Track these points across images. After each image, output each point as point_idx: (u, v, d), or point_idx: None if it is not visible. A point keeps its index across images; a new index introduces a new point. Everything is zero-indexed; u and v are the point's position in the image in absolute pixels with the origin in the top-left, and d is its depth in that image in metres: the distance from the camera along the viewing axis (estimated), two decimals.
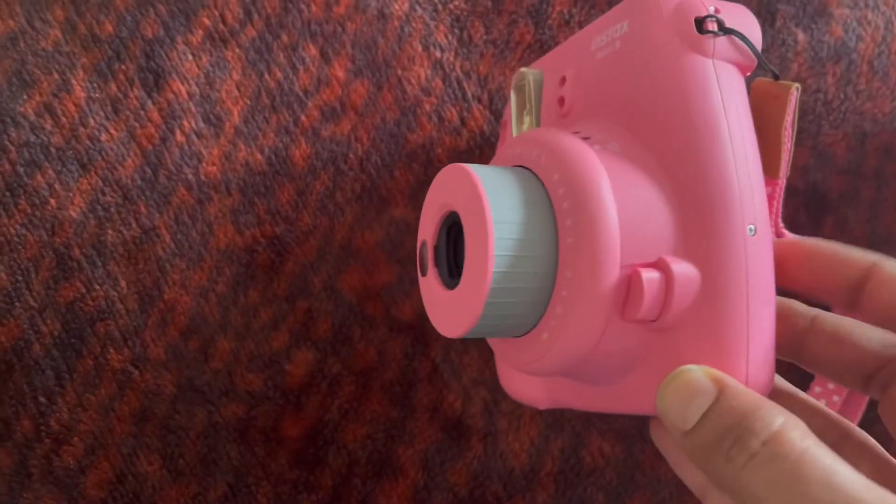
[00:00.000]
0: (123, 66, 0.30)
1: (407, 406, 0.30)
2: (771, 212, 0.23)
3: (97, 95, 0.30)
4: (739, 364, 0.19)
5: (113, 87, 0.30)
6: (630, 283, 0.19)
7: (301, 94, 0.31)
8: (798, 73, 0.33)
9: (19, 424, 0.28)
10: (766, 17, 0.34)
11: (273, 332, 0.29)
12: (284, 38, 0.31)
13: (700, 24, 0.20)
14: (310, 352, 0.29)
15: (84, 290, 0.29)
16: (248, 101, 0.30)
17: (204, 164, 0.30)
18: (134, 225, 0.29)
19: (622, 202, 0.19)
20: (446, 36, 0.32)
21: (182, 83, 0.30)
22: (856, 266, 0.20)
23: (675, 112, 0.20)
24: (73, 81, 0.30)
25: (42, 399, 0.28)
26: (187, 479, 0.28)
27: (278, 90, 0.31)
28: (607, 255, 0.19)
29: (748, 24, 0.21)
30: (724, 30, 0.20)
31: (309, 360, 0.29)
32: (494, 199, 0.19)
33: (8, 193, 0.29)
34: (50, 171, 0.29)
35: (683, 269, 0.19)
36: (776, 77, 0.22)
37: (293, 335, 0.29)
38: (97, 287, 0.29)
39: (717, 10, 0.21)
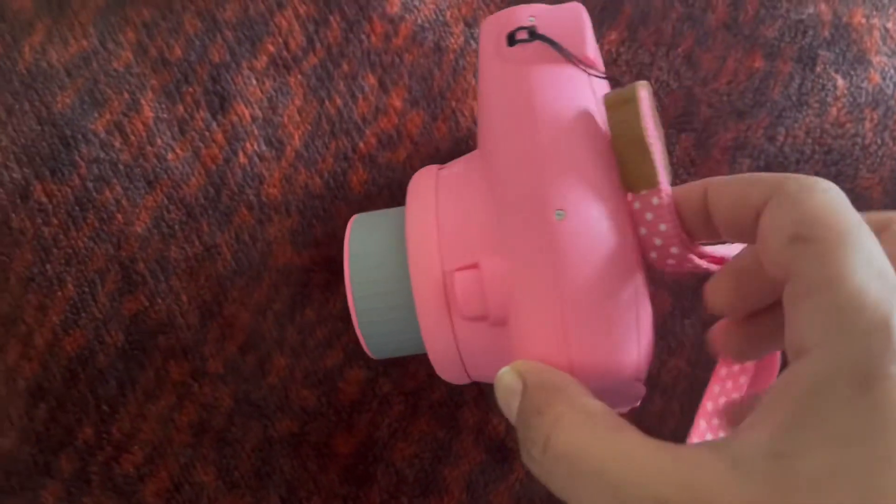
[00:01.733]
0: (191, 89, 0.33)
1: (453, 427, 0.32)
2: (669, 223, 0.21)
3: (165, 116, 0.33)
4: (559, 348, 0.20)
5: (180, 108, 0.33)
6: (452, 285, 0.22)
7: (359, 121, 0.33)
8: (837, 118, 0.36)
9: (81, 431, 0.30)
10: (808, 62, 0.36)
11: (328, 351, 0.31)
12: (345, 66, 0.34)
13: (511, 37, 0.23)
14: (362, 370, 0.32)
15: (147, 304, 0.31)
16: (309, 127, 0.33)
17: (265, 186, 0.32)
18: (196, 242, 0.32)
19: (446, 215, 0.23)
20: None
21: (246, 107, 0.33)
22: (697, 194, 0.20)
23: (490, 117, 0.23)
24: (143, 102, 0.33)
25: (105, 408, 0.30)
26: (241, 491, 0.30)
27: (338, 117, 0.33)
28: (425, 263, 0.22)
29: (569, 24, 0.23)
30: (534, 37, 0.23)
31: (361, 379, 0.32)
32: (357, 239, 0.25)
33: (77, 208, 0.32)
34: (118, 188, 0.32)
35: (492, 264, 0.22)
36: (616, 82, 0.23)
37: (347, 354, 0.32)
38: (160, 301, 0.31)
39: (536, 17, 0.24)
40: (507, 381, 0.20)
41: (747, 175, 0.19)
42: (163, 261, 0.31)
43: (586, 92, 0.22)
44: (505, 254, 0.21)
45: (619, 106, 0.21)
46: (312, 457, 0.31)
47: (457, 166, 0.25)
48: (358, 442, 0.31)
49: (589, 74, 0.23)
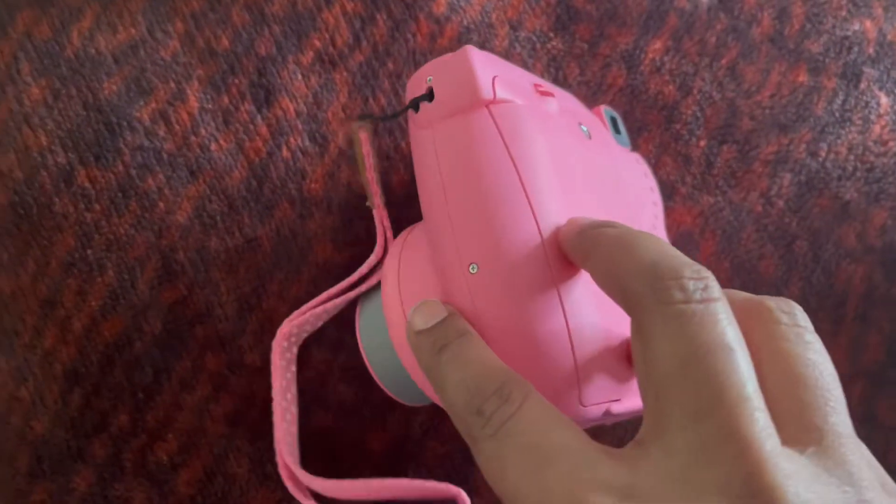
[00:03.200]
0: (236, 81, 0.34)
1: None
2: (380, 234, 0.30)
3: (210, 106, 0.34)
4: None
5: (225, 99, 0.34)
6: None
7: (402, 121, 0.34)
8: (880, 136, 0.37)
9: (116, 418, 0.31)
10: (852, 78, 0.37)
11: None
12: (390, 65, 0.35)
13: (416, 103, 0.25)
14: None
15: (186, 293, 0.32)
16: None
17: (308, 182, 0.33)
18: (237, 234, 0.33)
19: (406, 278, 0.26)
20: (542, 75, 0.36)
21: (291, 101, 0.34)
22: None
23: (418, 183, 0.25)
24: (188, 91, 0.34)
25: (140, 395, 0.31)
26: (273, 485, 0.31)
27: (386, 113, 0.34)
28: (396, 325, 0.25)
29: (460, 73, 0.24)
30: (431, 97, 0.24)
31: None
32: (364, 309, 0.28)
33: (120, 194, 0.33)
34: (160, 176, 0.33)
35: None
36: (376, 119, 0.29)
37: None
38: (198, 291, 0.32)
39: (433, 75, 0.25)
40: (437, 304, 0.23)
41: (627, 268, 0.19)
42: (203, 251, 0.32)
43: (486, 128, 0.23)
44: (445, 303, 0.23)
45: (355, 135, 0.28)
46: (345, 453, 0.32)
47: (418, 227, 0.27)
48: (390, 439, 0.32)
49: (489, 109, 0.24)
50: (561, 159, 0.24)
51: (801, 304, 0.23)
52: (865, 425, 0.34)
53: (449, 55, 0.25)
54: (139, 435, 0.31)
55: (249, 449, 0.31)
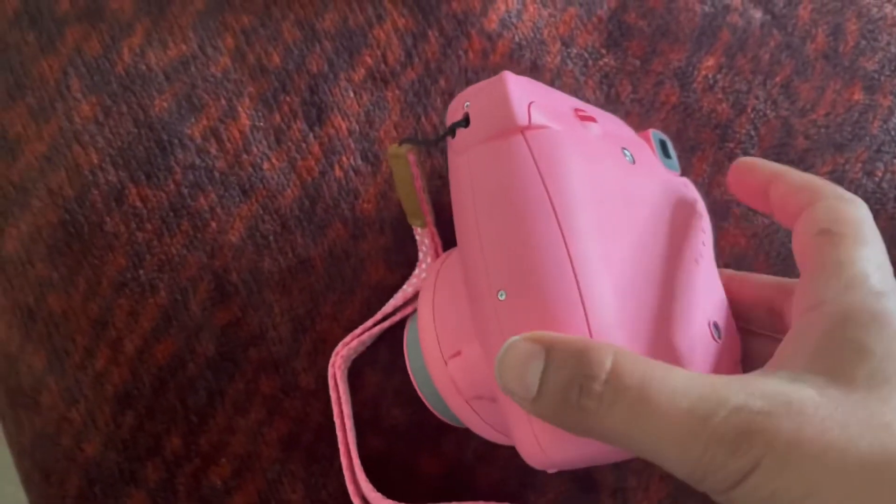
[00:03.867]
0: (288, 98, 0.34)
1: None
2: (432, 253, 0.31)
3: (261, 124, 0.33)
4: (529, 427, 0.21)
5: (277, 117, 0.33)
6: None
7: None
8: None
9: (170, 441, 0.31)
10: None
11: None
12: (442, 82, 0.35)
13: (453, 129, 0.25)
14: None
15: (239, 315, 0.32)
16: None
17: (360, 201, 0.33)
18: (290, 254, 0.32)
19: (440, 306, 0.26)
20: (594, 92, 0.36)
21: (343, 119, 0.34)
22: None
23: (454, 208, 0.25)
24: (240, 109, 0.33)
25: (194, 418, 0.31)
26: None
27: (434, 134, 0.34)
28: (431, 354, 0.26)
29: (495, 98, 0.24)
30: (468, 123, 0.24)
31: None
32: (410, 335, 0.28)
33: (171, 213, 0.32)
34: (212, 195, 0.33)
35: (471, 350, 0.24)
36: (424, 144, 0.27)
37: None
38: (252, 312, 0.32)
39: (470, 101, 0.25)
40: (520, 347, 0.19)
41: (804, 177, 0.24)
42: (256, 272, 0.32)
43: (520, 154, 0.23)
44: (476, 333, 0.23)
45: (395, 159, 0.28)
46: (399, 476, 0.31)
47: (452, 256, 0.28)
48: (444, 464, 0.32)
49: (525, 135, 0.23)
50: (598, 185, 0.24)
51: None
52: None
53: (486, 81, 0.25)
54: (192, 459, 0.31)
55: (304, 474, 0.31)
